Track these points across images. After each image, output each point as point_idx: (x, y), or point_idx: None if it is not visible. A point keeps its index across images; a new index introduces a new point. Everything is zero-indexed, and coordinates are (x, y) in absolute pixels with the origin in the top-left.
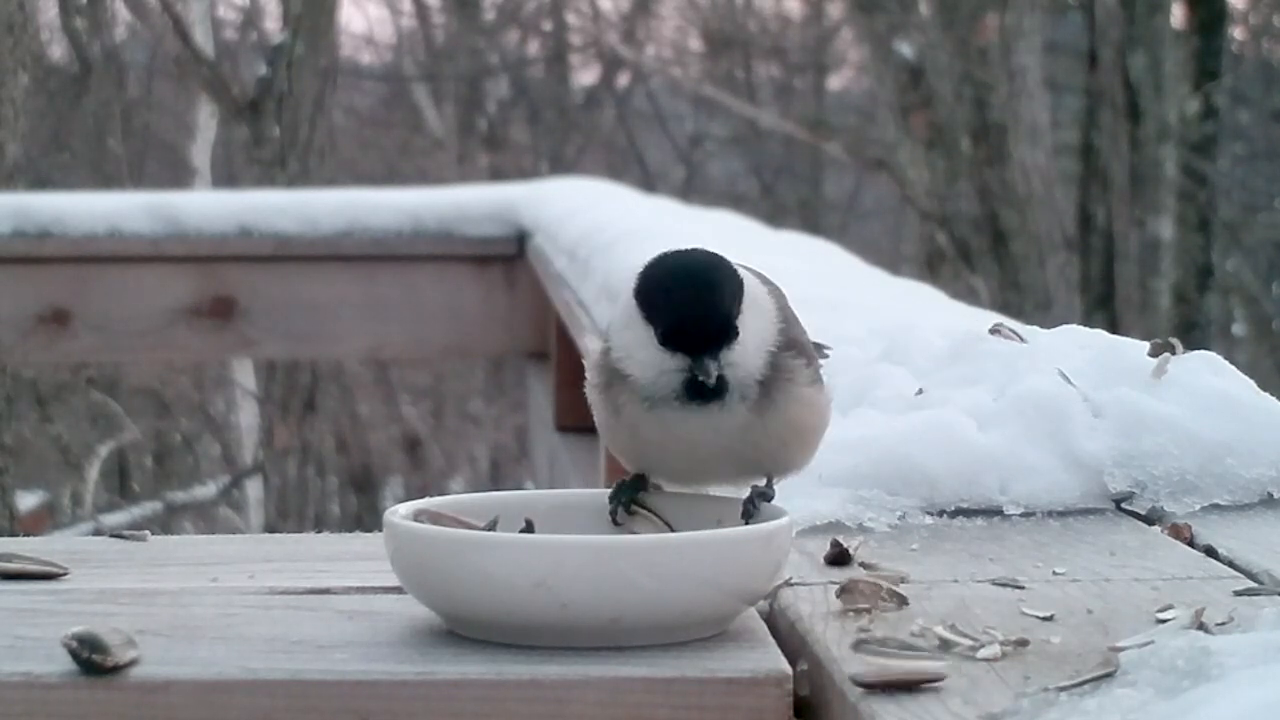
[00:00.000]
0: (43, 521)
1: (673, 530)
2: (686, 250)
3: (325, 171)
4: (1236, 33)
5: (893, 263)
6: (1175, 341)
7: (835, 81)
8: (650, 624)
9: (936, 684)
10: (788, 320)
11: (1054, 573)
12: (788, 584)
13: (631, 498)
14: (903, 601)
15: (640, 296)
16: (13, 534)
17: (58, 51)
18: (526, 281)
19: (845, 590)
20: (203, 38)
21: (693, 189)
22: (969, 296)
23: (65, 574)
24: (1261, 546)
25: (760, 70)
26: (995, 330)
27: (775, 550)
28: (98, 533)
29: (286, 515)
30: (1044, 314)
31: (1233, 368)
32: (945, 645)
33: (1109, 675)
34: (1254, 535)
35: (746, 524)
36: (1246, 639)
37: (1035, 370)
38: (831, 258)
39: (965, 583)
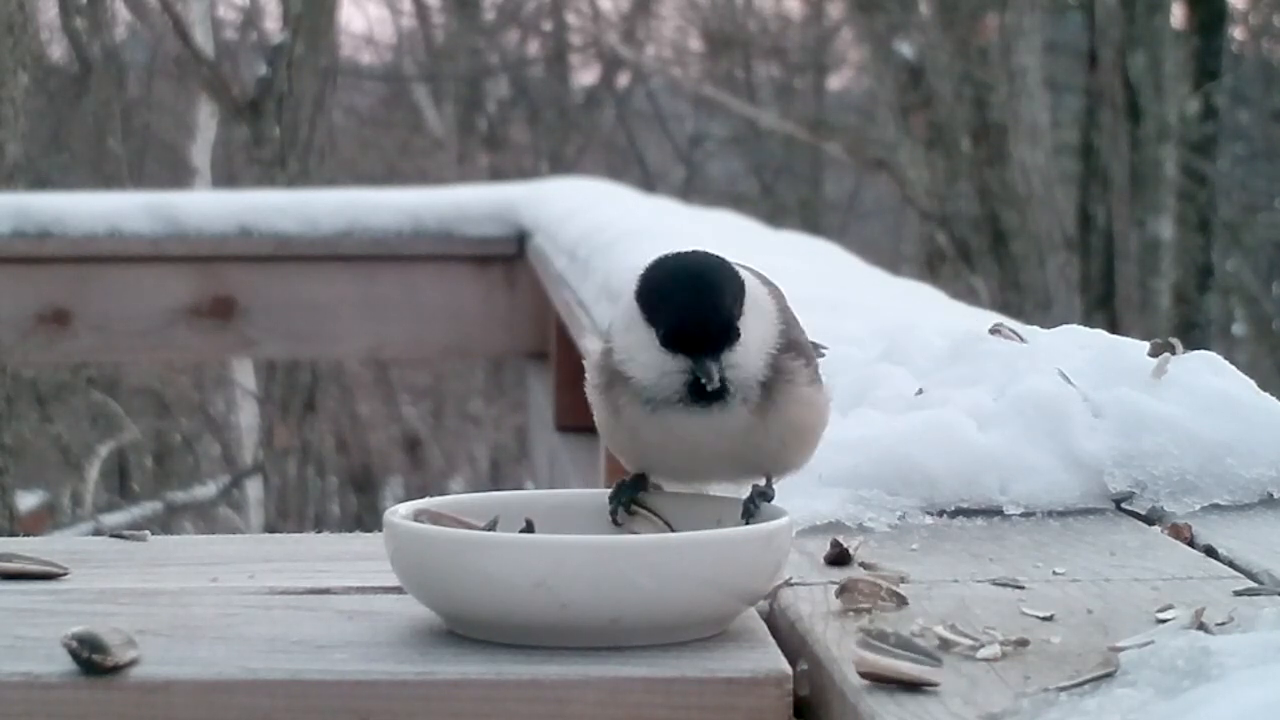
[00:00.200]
0: (43, 521)
1: (673, 530)
2: (687, 252)
3: (325, 171)
4: (1236, 33)
5: (893, 263)
6: (1175, 341)
7: (835, 81)
8: (650, 624)
9: (934, 686)
10: (788, 321)
11: (1054, 573)
12: (788, 584)
13: (632, 498)
14: (902, 601)
15: (641, 298)
16: (13, 534)
17: (58, 51)
18: (526, 281)
19: (845, 590)
20: (203, 38)
21: (693, 189)
22: (969, 296)
23: (65, 574)
24: (1261, 546)
25: (760, 70)
26: (995, 330)
27: (775, 550)
28: (98, 533)
29: (286, 515)
30: (1044, 314)
31: (1233, 368)
32: (945, 645)
33: (1109, 675)
34: (1254, 535)
35: (746, 524)
36: (1246, 639)
37: (1035, 370)
38: (831, 258)
39: (965, 583)
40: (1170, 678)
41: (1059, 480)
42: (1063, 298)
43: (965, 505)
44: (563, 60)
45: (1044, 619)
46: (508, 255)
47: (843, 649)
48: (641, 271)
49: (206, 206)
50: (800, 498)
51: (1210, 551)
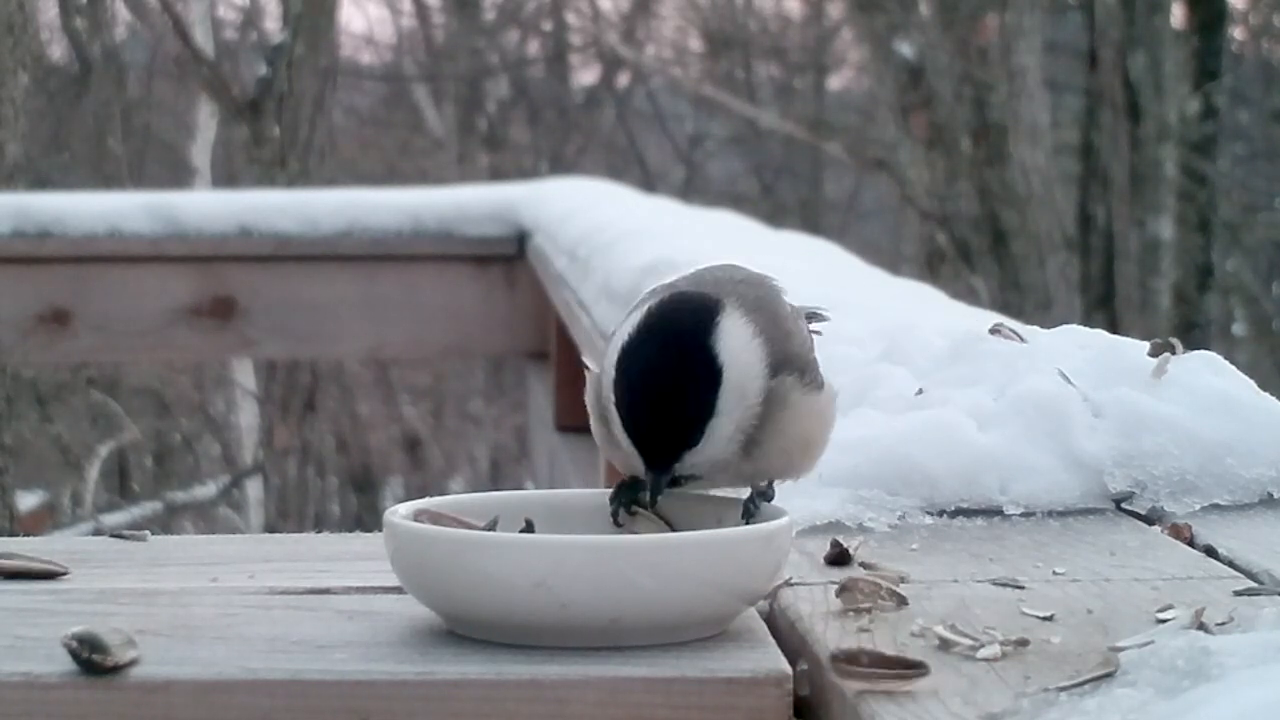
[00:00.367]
0: (43, 521)
1: (673, 530)
2: (670, 330)
3: (325, 171)
4: (1236, 33)
5: (893, 263)
6: (1175, 341)
7: (835, 81)
8: (650, 624)
9: (933, 687)
10: (776, 336)
11: (1054, 573)
12: (788, 584)
13: (632, 498)
14: (902, 601)
15: (615, 373)
16: (13, 534)
17: (58, 51)
18: (526, 281)
19: (845, 590)
20: (203, 38)
21: (693, 189)
22: (969, 296)
23: (65, 574)
24: (1261, 546)
25: (760, 70)
26: (995, 330)
27: (775, 550)
28: (98, 533)
29: (286, 515)
30: (1044, 314)
31: (1233, 368)
32: (945, 645)
33: (1109, 675)
34: (1254, 535)
35: (746, 524)
36: (1246, 639)
37: (1035, 370)
38: (831, 258)
39: (965, 583)
40: (1170, 678)
41: (1059, 480)
42: (1063, 298)
43: (965, 505)
44: (563, 60)
45: (1044, 619)
46: (508, 255)
47: (842, 649)
48: (622, 342)
49: (206, 206)
50: (800, 498)
51: (1210, 551)
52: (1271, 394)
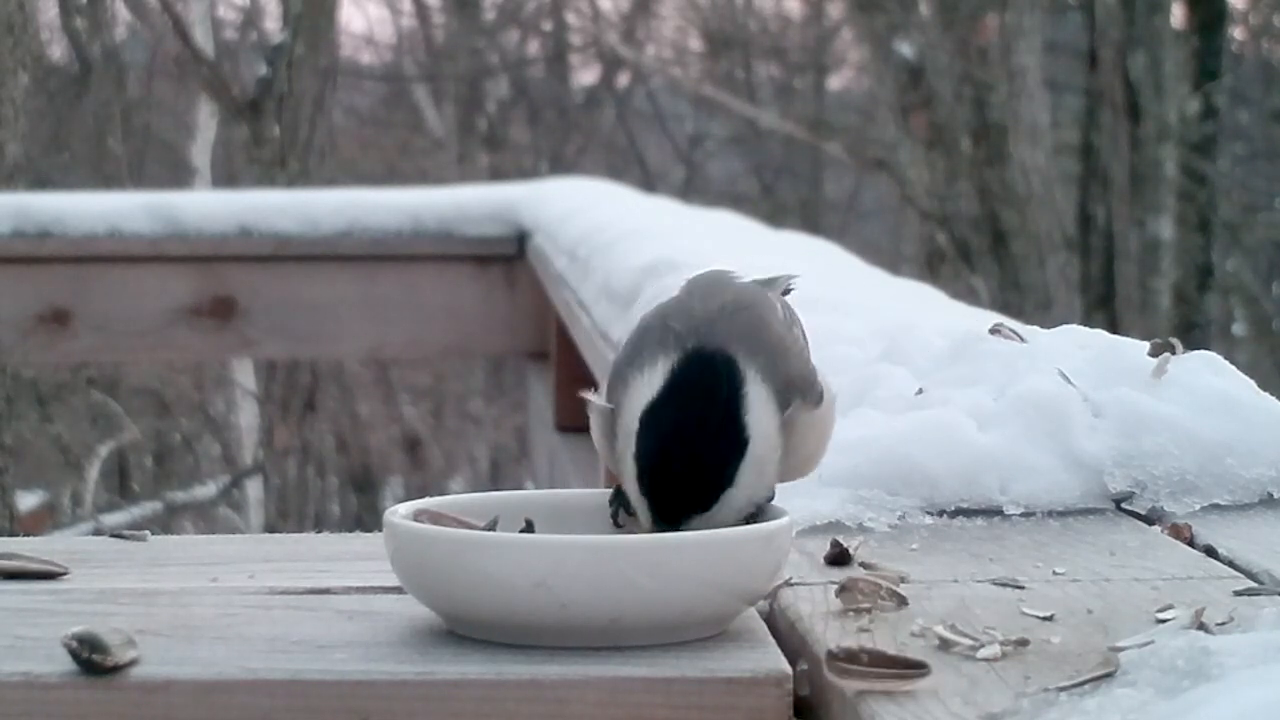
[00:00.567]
0: (43, 521)
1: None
2: (700, 394)
3: (325, 171)
4: (1236, 33)
5: (893, 263)
6: (1175, 341)
7: (835, 81)
8: (650, 624)
9: (934, 687)
10: (778, 370)
11: (1054, 573)
12: (788, 584)
13: None
14: (902, 601)
15: (638, 428)
16: (13, 534)
17: (58, 51)
18: (526, 281)
19: (845, 590)
20: (203, 38)
21: (693, 189)
22: (969, 296)
23: (65, 574)
24: (1261, 546)
25: (760, 70)
26: (995, 330)
27: (775, 550)
28: (98, 533)
29: (286, 515)
30: (1044, 314)
31: (1233, 368)
32: (945, 645)
33: (1109, 675)
34: (1254, 535)
35: (746, 524)
36: (1246, 639)
37: (1035, 370)
38: (831, 258)
39: (965, 583)
40: (1170, 678)
41: (1059, 480)
42: (1063, 298)
43: (965, 505)
44: (563, 60)
45: (1044, 619)
46: (508, 255)
47: (843, 649)
48: (648, 403)
49: (206, 206)
50: (800, 498)
51: (1210, 551)
52: (1271, 394)
